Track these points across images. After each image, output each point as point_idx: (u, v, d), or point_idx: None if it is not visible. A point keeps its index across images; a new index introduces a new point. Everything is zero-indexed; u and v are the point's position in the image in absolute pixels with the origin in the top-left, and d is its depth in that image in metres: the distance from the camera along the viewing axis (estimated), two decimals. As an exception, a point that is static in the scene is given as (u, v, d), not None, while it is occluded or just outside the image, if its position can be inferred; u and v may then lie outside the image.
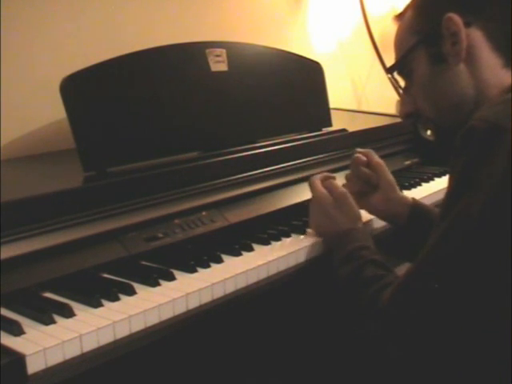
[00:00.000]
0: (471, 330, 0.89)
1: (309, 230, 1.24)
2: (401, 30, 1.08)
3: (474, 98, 1.01)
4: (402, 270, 1.06)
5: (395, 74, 1.12)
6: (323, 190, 1.22)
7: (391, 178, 1.31)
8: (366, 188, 1.31)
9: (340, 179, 1.34)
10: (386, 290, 0.97)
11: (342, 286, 1.08)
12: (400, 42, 1.08)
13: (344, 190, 1.22)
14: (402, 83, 1.13)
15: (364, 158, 1.31)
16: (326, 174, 1.29)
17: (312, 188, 1.24)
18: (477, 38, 0.99)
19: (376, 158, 1.32)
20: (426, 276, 0.90)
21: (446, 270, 0.88)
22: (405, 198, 1.31)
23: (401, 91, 1.14)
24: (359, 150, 1.34)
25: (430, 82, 1.05)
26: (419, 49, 1.04)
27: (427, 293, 0.89)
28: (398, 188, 1.32)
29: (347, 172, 1.34)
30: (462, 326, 0.89)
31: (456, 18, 0.98)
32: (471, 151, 0.87)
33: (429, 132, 2.01)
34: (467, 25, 0.98)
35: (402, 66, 1.09)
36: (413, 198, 1.32)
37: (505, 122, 0.85)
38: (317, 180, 1.25)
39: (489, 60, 1.00)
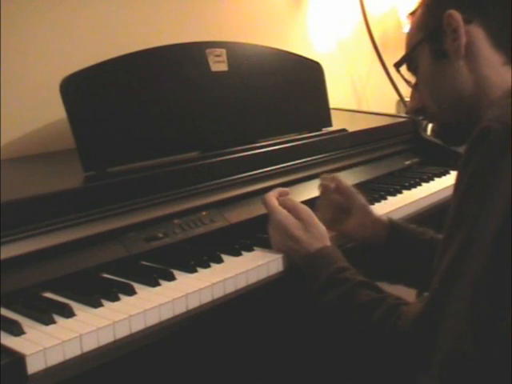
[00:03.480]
0: (507, 349, 0.81)
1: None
2: (411, 26, 1.10)
3: (473, 94, 1.01)
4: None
5: (404, 74, 1.13)
6: (283, 210, 1.13)
7: (363, 200, 1.27)
8: (338, 214, 1.28)
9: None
10: (395, 313, 0.93)
11: (330, 311, 1.03)
12: (409, 39, 1.10)
13: (305, 206, 1.15)
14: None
15: (332, 185, 1.28)
16: (279, 189, 1.21)
17: (269, 208, 1.15)
18: (477, 35, 0.99)
19: (343, 182, 1.28)
20: (451, 297, 0.84)
21: (470, 286, 0.82)
22: (380, 219, 1.27)
23: (409, 88, 1.14)
24: (324, 176, 1.31)
25: (432, 77, 1.06)
26: (424, 45, 1.05)
27: (455, 313, 0.83)
28: (371, 209, 1.28)
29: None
30: (497, 342, 0.82)
31: (456, 15, 0.99)
32: (486, 152, 0.84)
33: (429, 132, 2.02)
34: (468, 22, 0.99)
35: (409, 62, 1.10)
36: (388, 217, 1.29)
37: None
38: (273, 198, 1.16)
39: (489, 57, 1.00)
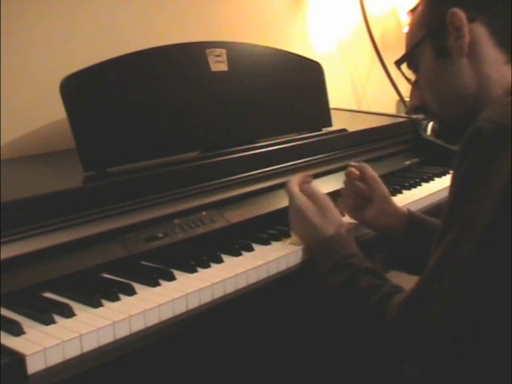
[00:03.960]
0: (489, 342, 0.84)
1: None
2: (411, 24, 1.10)
3: (475, 92, 1.01)
4: (390, 277, 1.04)
5: (406, 71, 1.13)
6: (302, 196, 1.18)
7: (385, 190, 1.30)
8: (360, 202, 1.30)
9: (340, 179, 1.35)
10: (388, 301, 0.94)
11: (334, 295, 1.05)
12: (410, 36, 1.09)
13: (323, 194, 1.19)
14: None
15: (357, 172, 1.30)
16: (302, 175, 1.25)
17: (290, 194, 1.19)
18: (480, 33, 0.99)
19: (369, 171, 1.31)
20: (437, 288, 0.86)
21: (457, 281, 0.84)
22: (400, 210, 1.29)
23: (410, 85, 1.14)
24: (352, 163, 1.33)
25: (434, 75, 1.05)
26: (425, 43, 1.05)
27: (439, 306, 0.85)
28: (392, 200, 1.30)
29: (344, 172, 1.33)
30: (477, 339, 0.84)
31: (460, 13, 0.98)
32: (478, 152, 0.85)
33: (429, 132, 2.02)
34: (471, 20, 0.99)
35: (410, 60, 1.10)
36: (408, 209, 1.30)
37: None
38: (294, 184, 1.20)
39: (492, 56, 1.00)
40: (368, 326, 0.99)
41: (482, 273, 0.83)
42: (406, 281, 1.05)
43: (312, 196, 1.18)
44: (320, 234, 1.13)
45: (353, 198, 1.30)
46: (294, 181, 1.22)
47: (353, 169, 1.31)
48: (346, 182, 1.32)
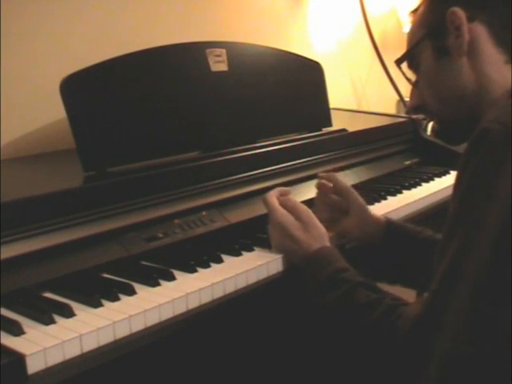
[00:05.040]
0: (508, 347, 0.80)
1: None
2: (413, 23, 1.10)
3: (475, 92, 1.01)
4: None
5: (406, 71, 1.13)
6: (282, 210, 1.13)
7: (360, 199, 1.27)
8: (336, 214, 1.28)
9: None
10: (393, 314, 0.92)
11: (328, 312, 1.03)
12: (411, 35, 1.10)
13: (305, 206, 1.15)
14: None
15: (329, 184, 1.28)
16: (280, 188, 1.20)
17: (269, 207, 1.15)
18: (480, 32, 0.99)
19: (340, 182, 1.29)
20: (450, 297, 0.83)
21: (470, 287, 0.82)
22: (377, 218, 1.27)
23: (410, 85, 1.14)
24: (322, 174, 1.31)
25: (434, 74, 1.05)
26: (426, 42, 1.05)
27: (454, 314, 0.82)
28: (368, 208, 1.28)
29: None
30: (496, 345, 0.81)
31: (460, 12, 0.99)
32: (485, 154, 0.84)
33: (429, 132, 2.02)
34: (471, 19, 0.99)
35: (410, 59, 1.10)
36: (385, 217, 1.29)
37: None
38: (273, 198, 1.16)
39: (491, 55, 1.00)
40: (373, 340, 0.96)
41: (495, 276, 0.81)
42: (395, 292, 1.03)
43: (293, 209, 1.13)
44: (304, 250, 1.09)
45: (328, 210, 1.28)
46: (272, 194, 1.17)
47: (324, 181, 1.29)
48: (318, 195, 1.30)
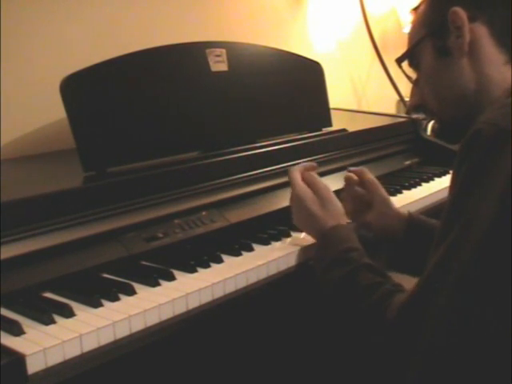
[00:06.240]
0: (489, 342, 0.83)
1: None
2: (413, 22, 1.10)
3: (475, 92, 1.02)
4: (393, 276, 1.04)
5: (407, 69, 1.13)
6: (303, 185, 1.17)
7: (385, 193, 1.30)
8: (360, 206, 1.30)
9: (340, 179, 1.35)
10: (388, 300, 0.94)
11: (332, 290, 1.04)
12: (411, 34, 1.10)
13: (325, 184, 1.18)
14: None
15: (356, 177, 1.31)
16: (305, 164, 1.24)
17: (291, 181, 1.19)
18: (481, 33, 1.00)
19: (368, 175, 1.31)
20: (437, 289, 0.85)
21: (457, 281, 0.84)
22: (400, 213, 1.29)
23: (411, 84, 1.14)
24: (351, 168, 1.34)
25: (434, 74, 1.06)
26: (427, 41, 1.05)
27: (439, 306, 0.84)
28: (392, 203, 1.31)
29: (344, 173, 1.33)
30: (478, 339, 0.83)
31: (461, 13, 0.99)
32: (478, 155, 0.85)
33: (429, 132, 2.02)
34: (472, 20, 0.99)
35: (411, 58, 1.10)
36: (408, 212, 1.31)
37: None
38: (296, 173, 1.20)
39: (492, 56, 1.00)
40: (367, 324, 0.98)
41: (482, 273, 0.83)
42: (406, 279, 1.04)
43: (313, 185, 1.17)
44: (319, 225, 1.12)
45: (352, 202, 1.30)
46: (297, 168, 1.21)
47: (351, 174, 1.32)
48: (345, 187, 1.32)
